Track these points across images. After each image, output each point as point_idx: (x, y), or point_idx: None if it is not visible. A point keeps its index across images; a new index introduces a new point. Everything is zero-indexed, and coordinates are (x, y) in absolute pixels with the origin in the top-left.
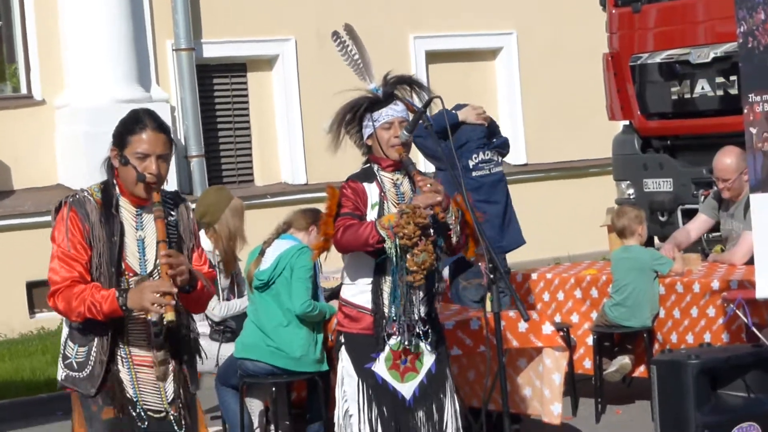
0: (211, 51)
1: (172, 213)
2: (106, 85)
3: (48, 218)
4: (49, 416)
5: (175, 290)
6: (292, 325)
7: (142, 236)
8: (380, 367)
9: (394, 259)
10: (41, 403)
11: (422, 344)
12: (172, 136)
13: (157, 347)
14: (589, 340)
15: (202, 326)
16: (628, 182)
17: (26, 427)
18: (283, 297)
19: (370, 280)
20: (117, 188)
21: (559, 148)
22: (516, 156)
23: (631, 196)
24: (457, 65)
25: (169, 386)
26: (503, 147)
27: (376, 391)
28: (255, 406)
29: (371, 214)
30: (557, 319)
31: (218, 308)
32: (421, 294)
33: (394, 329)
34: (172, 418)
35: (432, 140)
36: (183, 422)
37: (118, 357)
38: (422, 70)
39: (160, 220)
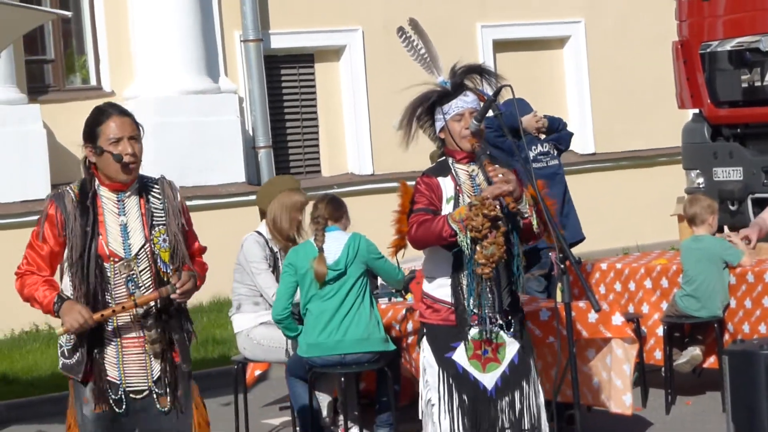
0: (278, 42)
1: (158, 197)
2: (174, 76)
3: None
4: None
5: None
6: (354, 308)
7: (124, 221)
8: (461, 357)
9: (467, 251)
10: None
11: (503, 335)
12: (235, 126)
13: (147, 328)
14: (660, 331)
15: (268, 314)
16: (698, 171)
17: None
18: (351, 282)
19: (448, 273)
20: (96, 180)
21: (627, 138)
22: (584, 145)
23: (701, 185)
24: (524, 54)
25: (156, 365)
26: (561, 141)
27: (457, 381)
28: (324, 397)
29: (447, 208)
30: (630, 309)
31: None
32: (501, 284)
33: (475, 320)
34: (155, 395)
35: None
36: (167, 400)
37: (105, 339)
38: (490, 59)
39: (156, 292)
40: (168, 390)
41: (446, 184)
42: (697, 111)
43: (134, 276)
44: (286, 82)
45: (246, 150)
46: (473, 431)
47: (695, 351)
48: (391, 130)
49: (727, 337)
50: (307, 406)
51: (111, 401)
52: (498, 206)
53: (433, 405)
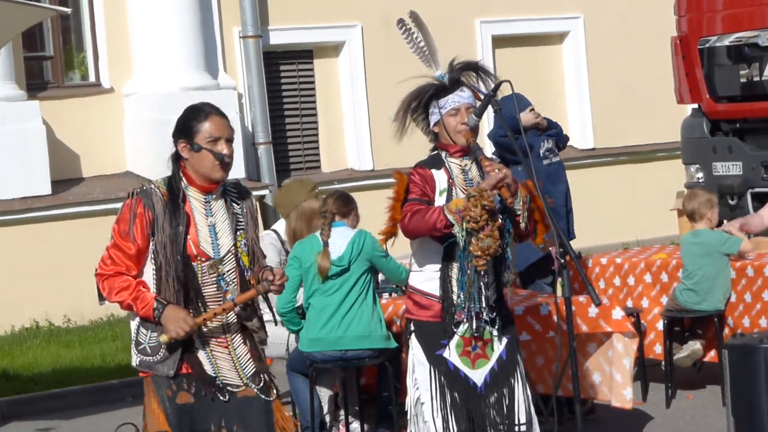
0: (277, 38)
1: (237, 203)
2: (173, 72)
3: (117, 205)
4: (120, 402)
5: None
6: (357, 304)
7: (212, 222)
8: (451, 354)
9: (462, 243)
10: (112, 389)
11: (491, 330)
12: (234, 122)
13: (245, 318)
14: (660, 325)
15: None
16: (697, 166)
17: (97, 413)
18: (355, 278)
19: (438, 266)
20: (184, 180)
21: (626, 133)
22: (583, 141)
23: (700, 180)
24: (524, 50)
25: (248, 364)
26: (560, 139)
27: (448, 378)
28: (325, 392)
29: (439, 201)
30: (629, 303)
31: None
32: (489, 280)
33: (462, 316)
34: (257, 390)
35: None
36: (269, 392)
37: (194, 338)
38: (489, 54)
39: (254, 290)
40: (266, 381)
41: (439, 177)
42: (696, 106)
43: (224, 275)
44: (285, 78)
45: (246, 146)
46: (466, 428)
47: (696, 345)
48: (391, 125)
49: (727, 331)
50: (308, 401)
51: (213, 390)
52: (494, 194)
53: (423, 404)
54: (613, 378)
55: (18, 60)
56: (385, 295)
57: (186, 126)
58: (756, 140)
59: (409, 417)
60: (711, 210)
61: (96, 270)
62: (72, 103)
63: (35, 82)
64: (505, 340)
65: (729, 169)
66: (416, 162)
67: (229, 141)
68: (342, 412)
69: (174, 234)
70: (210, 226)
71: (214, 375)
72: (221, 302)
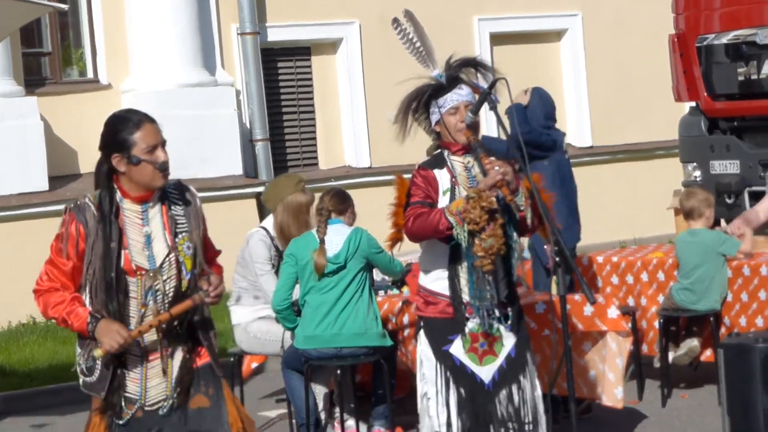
0: (275, 35)
1: (179, 204)
2: (171, 69)
3: None
4: None
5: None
6: (353, 302)
7: (148, 231)
8: (458, 350)
9: (464, 244)
10: None
11: (501, 328)
12: (232, 119)
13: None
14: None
15: (266, 309)
16: (695, 164)
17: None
18: (351, 275)
19: (445, 266)
20: (118, 192)
21: (624, 131)
22: (581, 138)
23: (698, 179)
24: (522, 47)
25: (176, 372)
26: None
27: (454, 374)
28: (320, 389)
29: (443, 201)
30: (630, 302)
31: None
32: (500, 277)
33: (471, 313)
34: (173, 402)
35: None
36: (179, 408)
37: (130, 355)
38: (487, 52)
39: (189, 301)
40: (181, 396)
41: (442, 177)
42: (693, 104)
43: (157, 287)
44: (283, 75)
45: (243, 143)
46: (470, 425)
47: (693, 342)
48: (389, 123)
49: (723, 330)
50: (303, 399)
51: (123, 415)
52: (495, 198)
53: (429, 398)
54: (605, 376)
55: (16, 56)
56: (381, 292)
57: (118, 138)
58: (754, 138)
59: (419, 411)
60: (709, 209)
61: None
62: (70, 99)
63: (33, 78)
64: (514, 338)
65: (726, 167)
66: (417, 163)
67: (163, 145)
68: (337, 410)
69: (107, 251)
70: (146, 236)
71: (137, 397)
72: (138, 318)
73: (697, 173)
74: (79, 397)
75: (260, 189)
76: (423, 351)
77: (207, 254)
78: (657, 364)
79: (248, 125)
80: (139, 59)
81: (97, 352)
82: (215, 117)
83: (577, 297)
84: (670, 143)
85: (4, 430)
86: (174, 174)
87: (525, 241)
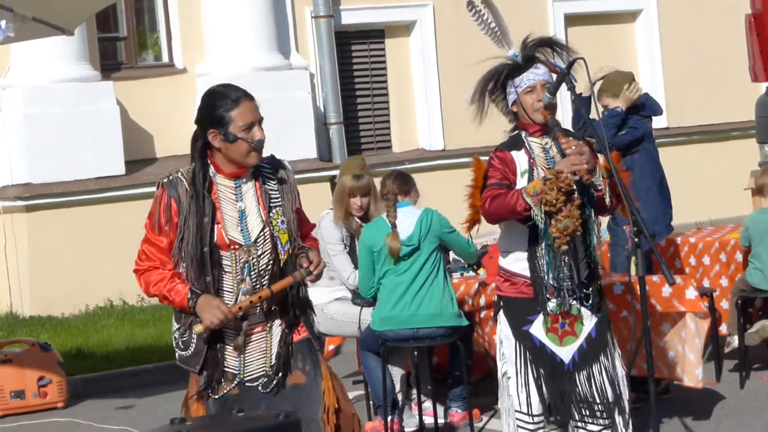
0: (349, 18)
1: (272, 178)
2: (246, 52)
3: None
4: None
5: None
6: (428, 283)
7: (242, 207)
8: (537, 330)
9: (541, 226)
10: None
11: (581, 308)
12: (306, 102)
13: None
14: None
15: (342, 290)
16: None
17: (171, 391)
18: (425, 256)
19: (525, 247)
20: (212, 167)
21: (700, 111)
22: (656, 120)
23: None
24: (596, 28)
25: (275, 348)
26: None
27: (534, 353)
28: (397, 371)
29: (521, 182)
30: (705, 283)
31: (352, 276)
32: (579, 257)
33: (552, 294)
34: (273, 379)
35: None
36: (279, 384)
37: (229, 330)
38: (561, 33)
39: (290, 278)
40: (282, 372)
41: (520, 158)
42: None
43: (252, 261)
44: (356, 58)
45: (317, 126)
46: (550, 404)
47: (766, 322)
48: (462, 105)
49: None
50: (381, 380)
51: (220, 390)
52: (572, 179)
53: (509, 378)
54: (686, 357)
55: (92, 41)
56: (457, 274)
57: (215, 115)
58: None
59: (499, 391)
60: None
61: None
62: (145, 84)
63: (109, 63)
64: (595, 319)
65: None
66: (495, 145)
67: (260, 123)
68: (414, 392)
69: (201, 225)
70: (240, 212)
71: (236, 371)
72: (235, 293)
73: None
74: (158, 380)
75: (334, 172)
76: (502, 331)
77: (302, 229)
78: (733, 344)
79: (322, 108)
80: (214, 43)
81: (198, 328)
82: (289, 100)
83: (655, 278)
84: (746, 124)
85: (84, 413)
86: None
87: (603, 221)
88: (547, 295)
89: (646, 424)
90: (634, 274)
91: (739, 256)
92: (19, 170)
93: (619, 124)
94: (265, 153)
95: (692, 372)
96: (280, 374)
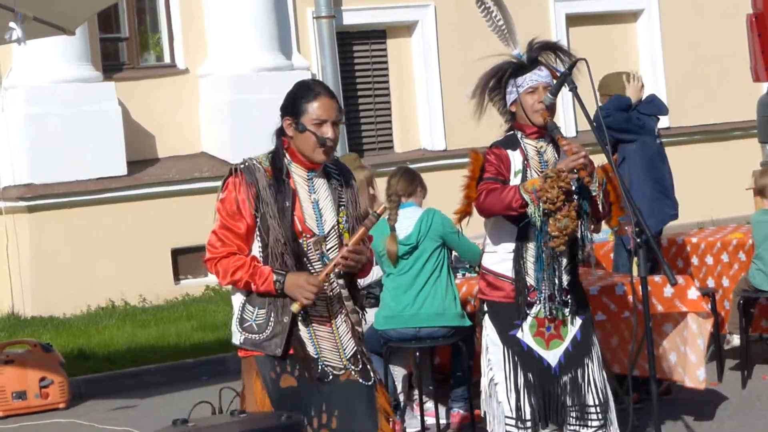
0: (351, 18)
1: (338, 179)
2: (248, 53)
3: (192, 186)
4: (195, 381)
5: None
6: (430, 282)
7: (316, 199)
8: (525, 335)
9: (538, 224)
10: (186, 369)
11: (566, 311)
12: None
13: (346, 299)
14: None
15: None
16: None
17: (172, 392)
18: (426, 256)
19: (512, 247)
20: (287, 155)
21: (701, 111)
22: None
23: None
24: (598, 28)
25: (349, 344)
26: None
27: (522, 359)
28: (399, 371)
29: (514, 181)
30: (710, 283)
31: None
32: (565, 261)
33: (535, 297)
34: (354, 372)
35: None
36: (369, 374)
37: (298, 317)
38: (562, 33)
39: (364, 228)
40: (365, 365)
41: (515, 157)
42: None
43: (327, 253)
44: (358, 58)
45: None
46: (540, 408)
47: None
48: (464, 105)
49: None
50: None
51: (316, 372)
52: (572, 177)
53: (496, 384)
54: (687, 358)
55: (94, 41)
56: (459, 274)
57: (294, 103)
58: None
59: (483, 398)
60: None
61: (205, 256)
62: (147, 84)
63: (111, 63)
64: (579, 321)
65: None
66: (491, 142)
67: (335, 124)
68: (416, 392)
69: (281, 209)
70: (314, 203)
71: (316, 356)
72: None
73: None
74: (159, 380)
75: None
76: (489, 336)
77: None
78: (733, 342)
79: None
80: (216, 44)
81: (294, 307)
82: None
83: (657, 278)
84: (748, 124)
85: (85, 413)
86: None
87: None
88: (529, 297)
89: (648, 425)
90: (636, 274)
91: (742, 256)
92: (21, 171)
93: (625, 110)
94: (264, 151)
95: (693, 373)
96: (349, 366)
